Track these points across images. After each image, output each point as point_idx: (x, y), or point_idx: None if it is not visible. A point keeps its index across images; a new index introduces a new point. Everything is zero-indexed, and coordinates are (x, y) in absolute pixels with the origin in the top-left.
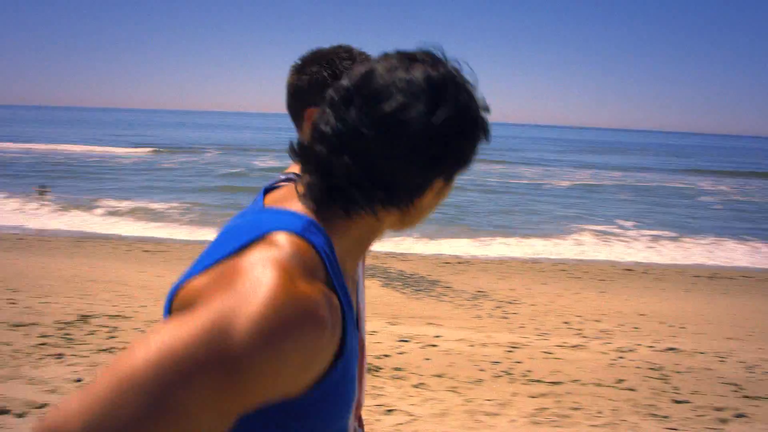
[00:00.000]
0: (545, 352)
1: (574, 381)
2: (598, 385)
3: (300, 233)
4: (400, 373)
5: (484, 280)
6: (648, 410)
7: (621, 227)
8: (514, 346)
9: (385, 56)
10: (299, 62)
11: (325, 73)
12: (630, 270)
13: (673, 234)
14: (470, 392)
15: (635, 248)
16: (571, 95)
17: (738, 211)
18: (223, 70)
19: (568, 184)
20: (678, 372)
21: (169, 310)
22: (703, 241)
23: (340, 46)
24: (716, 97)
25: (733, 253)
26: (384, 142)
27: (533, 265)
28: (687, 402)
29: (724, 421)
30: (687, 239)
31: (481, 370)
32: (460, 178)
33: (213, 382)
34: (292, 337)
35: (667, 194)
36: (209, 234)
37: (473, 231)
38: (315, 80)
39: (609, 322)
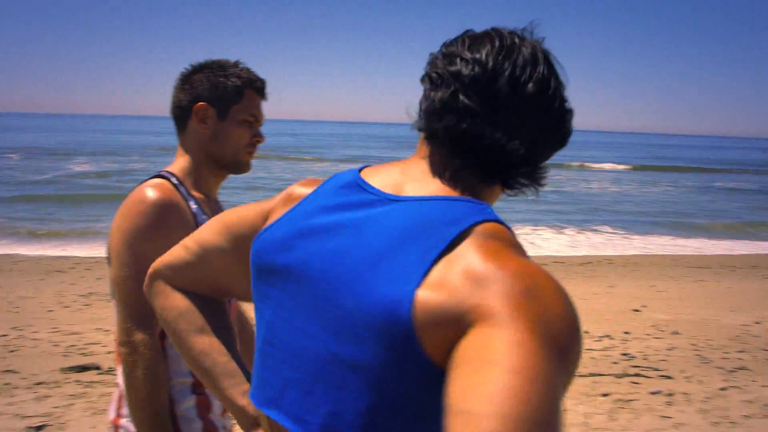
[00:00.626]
0: None
1: None
2: None
3: (497, 220)
4: None
5: None
6: None
7: None
8: None
9: (498, 33)
10: (189, 67)
11: (219, 75)
12: None
13: None
14: None
15: None
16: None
17: (550, 203)
18: (46, 66)
19: None
20: None
21: (413, 323)
22: (520, 231)
23: (226, 59)
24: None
25: (549, 242)
26: (539, 116)
27: None
28: None
29: None
30: None
31: None
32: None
33: (567, 389)
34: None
35: None
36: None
37: None
38: (207, 79)
39: None
